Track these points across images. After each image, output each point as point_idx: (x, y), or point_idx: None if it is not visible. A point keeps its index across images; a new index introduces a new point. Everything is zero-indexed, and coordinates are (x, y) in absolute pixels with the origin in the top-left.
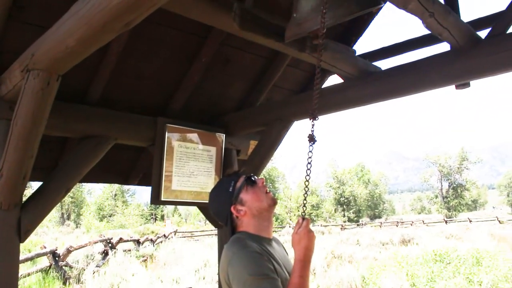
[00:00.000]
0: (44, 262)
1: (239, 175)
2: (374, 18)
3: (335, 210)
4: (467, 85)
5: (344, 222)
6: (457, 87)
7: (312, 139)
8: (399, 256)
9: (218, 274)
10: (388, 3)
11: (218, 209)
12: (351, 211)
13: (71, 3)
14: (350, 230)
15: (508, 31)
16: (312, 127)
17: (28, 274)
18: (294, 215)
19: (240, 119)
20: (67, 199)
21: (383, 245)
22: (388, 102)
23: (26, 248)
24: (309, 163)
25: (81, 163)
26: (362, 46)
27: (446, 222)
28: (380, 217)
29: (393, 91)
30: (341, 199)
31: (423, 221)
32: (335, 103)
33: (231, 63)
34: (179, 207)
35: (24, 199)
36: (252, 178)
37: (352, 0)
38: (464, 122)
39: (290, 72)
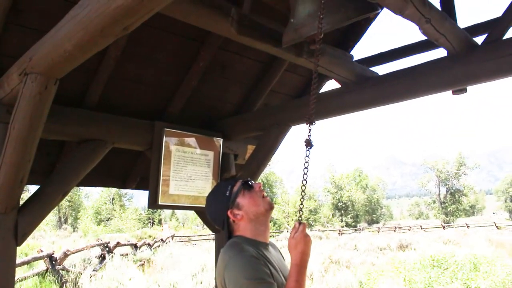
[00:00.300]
0: (41, 266)
1: (236, 180)
2: (372, 24)
3: (332, 215)
4: (464, 90)
5: (342, 227)
6: (454, 92)
7: (309, 143)
8: (397, 261)
9: (215, 278)
10: (385, 9)
11: (215, 213)
12: (349, 216)
13: (69, 8)
14: (347, 235)
15: (505, 37)
16: (309, 132)
17: (25, 278)
18: (292, 219)
19: (238, 123)
20: (64, 202)
21: (380, 250)
22: (385, 107)
23: (23, 251)
24: (305, 167)
25: (79, 167)
26: (360, 51)
27: (443, 227)
28: (377, 222)
29: (390, 96)
30: (339, 204)
31: (420, 227)
32: (332, 108)
33: (229, 68)
34: (176, 211)
35: (21, 202)
36: (249, 183)
37: (349, 6)
38: (462, 127)
39: (288, 77)
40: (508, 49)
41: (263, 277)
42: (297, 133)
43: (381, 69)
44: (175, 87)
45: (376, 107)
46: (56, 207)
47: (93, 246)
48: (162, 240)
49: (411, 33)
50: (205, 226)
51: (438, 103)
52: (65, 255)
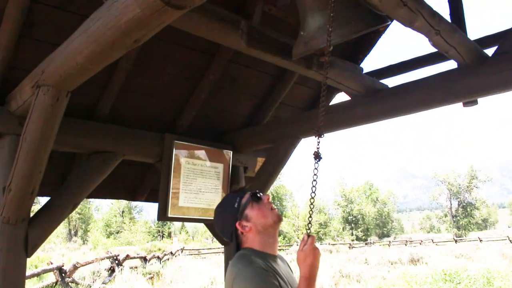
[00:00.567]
0: (51, 278)
1: (244, 191)
2: (381, 36)
3: (343, 228)
4: (474, 102)
5: (352, 240)
6: (465, 104)
7: (317, 156)
8: (408, 275)
9: None
10: (395, 22)
11: (223, 225)
12: (359, 229)
13: (82, 21)
14: (358, 248)
15: None
16: (318, 144)
17: None
18: (302, 233)
19: (248, 136)
20: (74, 215)
21: (391, 264)
22: (395, 119)
23: (33, 263)
24: (314, 180)
25: (89, 179)
26: (369, 64)
27: (455, 241)
28: (388, 236)
29: (400, 108)
30: (349, 217)
31: (432, 240)
32: (342, 121)
33: (239, 81)
34: (186, 224)
35: (31, 214)
36: (258, 195)
37: (359, 18)
38: (473, 139)
39: (297, 89)
40: None
41: None
42: (307, 146)
43: (391, 82)
44: (185, 99)
45: (386, 119)
46: (66, 219)
47: (102, 259)
48: (171, 253)
49: (422, 45)
50: (214, 240)
51: (448, 115)
52: (75, 267)
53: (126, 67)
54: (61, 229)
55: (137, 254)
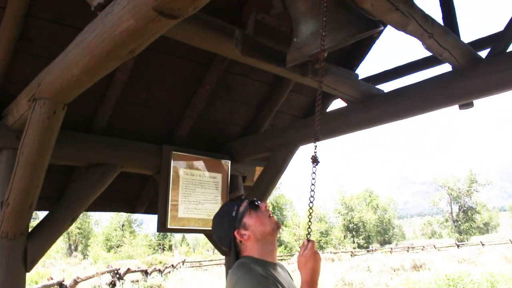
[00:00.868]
0: None
1: (242, 200)
2: (376, 42)
3: (344, 236)
4: (470, 105)
5: (354, 248)
6: (461, 107)
7: (315, 160)
8: (411, 281)
9: None
10: (388, 27)
11: (222, 234)
12: (361, 237)
13: (77, 34)
14: (360, 256)
15: (508, 50)
16: (315, 148)
17: None
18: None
19: (245, 145)
20: (74, 230)
21: (394, 271)
22: (391, 125)
23: (33, 279)
24: (313, 184)
25: (87, 192)
26: (365, 70)
27: (458, 246)
28: (390, 243)
29: (397, 113)
30: (350, 225)
31: (434, 246)
32: (339, 127)
33: (235, 90)
34: (187, 236)
35: (30, 229)
36: (255, 203)
37: (352, 24)
38: (471, 143)
39: (294, 97)
40: None
41: None
42: (305, 155)
43: (387, 87)
44: (182, 110)
45: (383, 124)
46: (66, 234)
47: (103, 273)
48: (172, 265)
49: (417, 50)
50: (216, 251)
51: (444, 119)
52: (76, 282)
53: (122, 78)
54: (61, 244)
55: (138, 268)
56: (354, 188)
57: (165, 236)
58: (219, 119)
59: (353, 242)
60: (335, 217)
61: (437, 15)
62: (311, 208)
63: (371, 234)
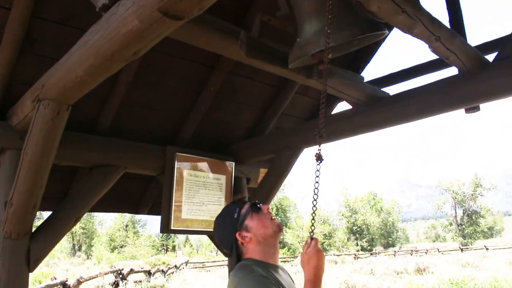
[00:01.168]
0: None
1: (244, 202)
2: (381, 45)
3: (347, 239)
4: (476, 108)
5: (357, 251)
6: (467, 111)
7: (319, 158)
8: (414, 285)
9: None
10: (395, 30)
11: (223, 235)
12: (364, 240)
13: (81, 35)
14: (363, 259)
15: None
16: (319, 146)
17: None
18: None
19: (250, 147)
20: (78, 230)
21: (397, 274)
22: (396, 128)
23: (37, 279)
24: (316, 182)
25: (91, 193)
26: (370, 72)
27: (461, 250)
28: (394, 246)
29: (402, 116)
30: (353, 228)
31: (438, 249)
32: (344, 129)
33: (240, 92)
34: (190, 237)
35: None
36: (257, 205)
37: (355, 25)
38: (476, 146)
39: (299, 99)
40: None
41: None
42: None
43: (393, 90)
44: (187, 111)
45: (388, 127)
46: (70, 234)
47: (106, 273)
48: (176, 266)
49: (423, 53)
50: (219, 252)
51: (450, 122)
52: (79, 282)
53: (126, 80)
54: (65, 244)
55: (141, 268)
56: (358, 190)
57: (169, 237)
58: (223, 120)
59: (357, 244)
60: (338, 219)
61: (444, 18)
62: (314, 206)
63: (375, 237)
